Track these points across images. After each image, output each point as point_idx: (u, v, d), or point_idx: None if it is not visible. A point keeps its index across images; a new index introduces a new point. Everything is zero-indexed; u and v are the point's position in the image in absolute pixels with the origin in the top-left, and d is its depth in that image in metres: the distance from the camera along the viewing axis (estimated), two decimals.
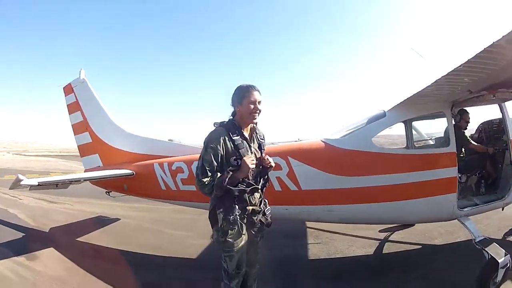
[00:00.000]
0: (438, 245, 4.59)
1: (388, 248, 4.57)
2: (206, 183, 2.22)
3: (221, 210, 2.28)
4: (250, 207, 2.32)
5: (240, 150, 2.27)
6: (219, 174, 2.22)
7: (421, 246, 4.60)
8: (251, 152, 2.33)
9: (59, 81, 5.95)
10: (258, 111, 2.32)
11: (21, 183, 3.51)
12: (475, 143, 4.34)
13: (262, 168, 2.42)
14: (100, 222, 6.59)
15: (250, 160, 2.22)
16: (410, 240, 4.76)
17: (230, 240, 2.26)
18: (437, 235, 4.88)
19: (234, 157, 2.25)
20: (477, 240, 3.30)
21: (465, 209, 3.55)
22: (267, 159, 2.40)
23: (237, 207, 2.25)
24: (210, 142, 2.27)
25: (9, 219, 6.73)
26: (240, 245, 2.30)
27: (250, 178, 2.30)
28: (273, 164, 2.43)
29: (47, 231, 5.97)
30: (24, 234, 5.72)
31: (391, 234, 4.96)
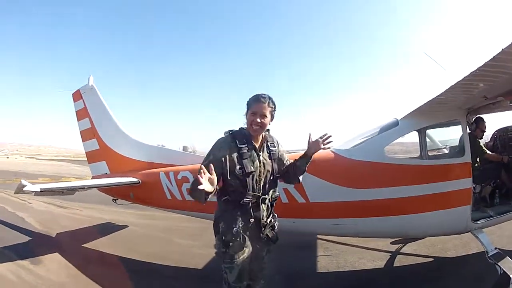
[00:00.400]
0: (451, 258, 4.41)
1: (399, 261, 4.40)
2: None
3: (224, 221, 2.23)
4: (254, 220, 2.23)
5: (243, 160, 2.19)
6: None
7: (433, 259, 4.43)
8: (260, 162, 2.25)
9: (72, 85, 6.04)
10: (255, 125, 2.22)
11: (25, 189, 3.51)
12: (490, 152, 4.18)
13: (272, 179, 2.33)
14: (108, 228, 6.58)
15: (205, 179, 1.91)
16: (422, 253, 4.60)
17: (231, 252, 2.19)
18: (450, 247, 4.69)
19: (240, 167, 2.17)
20: (490, 254, 3.19)
21: (479, 222, 3.41)
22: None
23: (240, 219, 2.18)
24: (213, 149, 2.25)
25: (17, 223, 6.79)
26: (241, 257, 2.22)
27: (255, 188, 2.21)
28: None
29: (54, 236, 5.98)
30: (30, 238, 5.74)
31: (403, 246, 4.79)
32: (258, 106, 2.23)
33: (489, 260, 3.16)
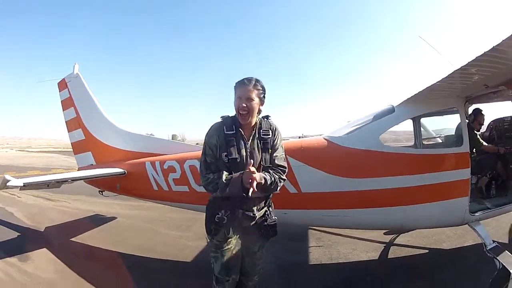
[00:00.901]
0: (446, 250, 4.35)
1: (393, 253, 4.32)
2: (210, 179, 2.07)
3: (209, 209, 2.16)
4: (241, 211, 2.09)
5: (229, 148, 2.06)
6: (225, 173, 2.03)
7: (428, 251, 4.36)
8: (246, 151, 2.10)
9: (61, 74, 5.84)
10: (242, 110, 2.08)
11: (8, 184, 3.39)
12: (486, 144, 4.08)
13: (262, 170, 2.16)
14: (96, 221, 6.47)
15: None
16: (417, 244, 4.53)
17: (215, 241, 2.13)
18: (445, 238, 4.64)
19: (226, 153, 2.05)
20: (488, 247, 3.11)
21: (477, 214, 3.33)
22: (251, 175, 1.94)
23: (224, 208, 2.09)
24: (207, 137, 2.17)
25: (6, 218, 6.69)
26: (226, 248, 2.13)
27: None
28: (254, 184, 1.93)
29: (42, 230, 5.87)
30: (19, 234, 5.64)
31: (397, 237, 4.73)
32: (243, 90, 2.09)
33: (488, 254, 3.08)
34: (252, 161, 2.04)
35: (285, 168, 2.26)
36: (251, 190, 1.91)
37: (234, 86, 2.14)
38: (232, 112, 2.19)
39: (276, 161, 2.21)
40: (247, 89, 2.08)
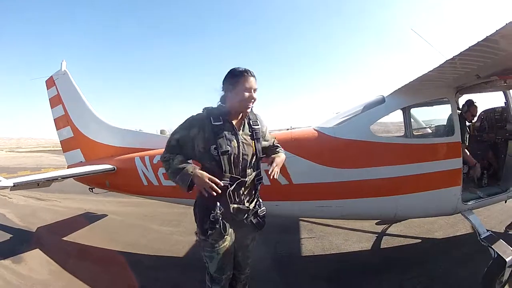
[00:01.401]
0: (439, 239, 4.39)
1: (386, 243, 4.35)
2: (165, 159, 2.06)
3: (202, 206, 2.06)
4: (236, 206, 2.04)
5: (218, 140, 1.96)
6: (179, 157, 2.03)
7: (420, 240, 4.40)
8: (238, 141, 2.03)
9: (49, 73, 5.76)
10: (253, 100, 2.03)
11: None
12: (466, 151, 3.84)
13: (255, 160, 2.11)
14: (88, 219, 6.39)
15: (208, 183, 1.90)
16: (409, 234, 4.57)
17: (211, 240, 2.03)
18: (437, 228, 4.69)
19: (214, 146, 1.96)
20: (483, 236, 3.10)
21: (469, 203, 3.33)
22: (273, 171, 2.07)
23: (218, 204, 1.97)
24: (182, 127, 2.09)
25: None
26: (222, 246, 2.06)
27: (233, 170, 2.00)
28: (276, 176, 2.11)
29: (34, 230, 5.78)
30: (11, 236, 5.54)
31: (389, 226, 4.77)
32: (250, 81, 2.01)
33: (482, 243, 3.08)
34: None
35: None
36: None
37: (239, 75, 2.03)
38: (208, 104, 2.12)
39: (274, 143, 2.38)
40: (253, 80, 2.02)
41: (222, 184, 1.92)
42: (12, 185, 3.49)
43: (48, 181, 4.21)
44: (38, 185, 4.15)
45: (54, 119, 5.86)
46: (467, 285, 3.17)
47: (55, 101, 5.74)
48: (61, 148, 5.88)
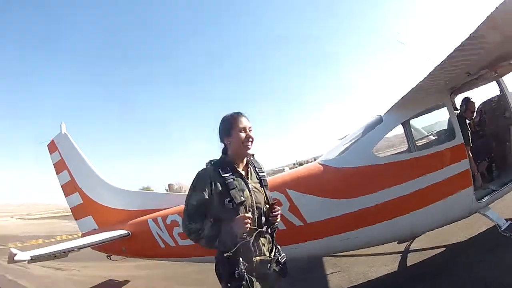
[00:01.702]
0: (462, 242, 4.27)
1: (411, 260, 4.23)
2: (192, 230, 1.97)
3: (224, 264, 1.98)
4: (258, 258, 1.99)
5: (231, 191, 1.95)
6: (210, 223, 1.96)
7: (444, 248, 4.27)
8: (250, 190, 2.02)
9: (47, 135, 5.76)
10: (250, 139, 2.05)
11: (15, 258, 3.27)
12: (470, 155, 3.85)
13: (269, 207, 2.07)
14: (111, 286, 6.23)
15: (243, 220, 1.88)
16: (432, 244, 4.43)
17: None
18: (457, 231, 4.52)
19: (229, 199, 1.93)
20: (503, 228, 3.11)
21: (484, 199, 3.32)
22: (275, 212, 2.04)
23: (241, 259, 1.91)
24: (195, 184, 2.03)
25: None
26: None
27: (252, 221, 1.95)
28: (279, 218, 2.07)
29: None
30: None
31: (411, 243, 4.61)
32: (244, 121, 2.06)
33: (504, 234, 3.07)
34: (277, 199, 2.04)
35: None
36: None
37: (226, 123, 2.08)
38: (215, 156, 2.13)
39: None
40: (245, 120, 2.06)
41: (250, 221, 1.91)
42: (30, 258, 3.42)
43: (65, 252, 4.17)
44: (55, 256, 4.11)
45: (61, 186, 5.79)
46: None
47: (59, 166, 5.69)
48: (71, 213, 5.79)
